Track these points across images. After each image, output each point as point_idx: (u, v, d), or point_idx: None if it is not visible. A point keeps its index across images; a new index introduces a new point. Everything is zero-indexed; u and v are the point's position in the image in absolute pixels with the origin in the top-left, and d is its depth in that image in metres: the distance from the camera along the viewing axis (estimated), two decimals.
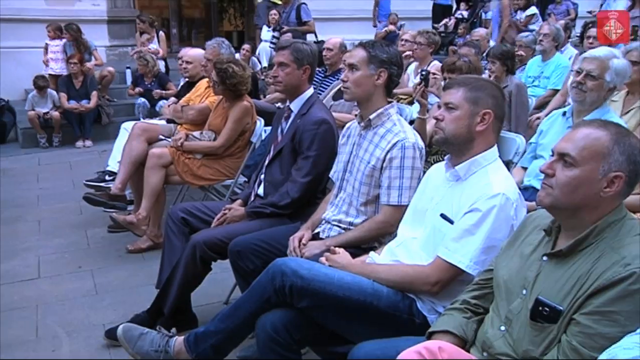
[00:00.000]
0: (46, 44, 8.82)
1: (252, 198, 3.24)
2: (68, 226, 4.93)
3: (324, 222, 2.80)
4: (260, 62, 8.91)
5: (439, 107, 2.28)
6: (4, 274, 4.04)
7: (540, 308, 1.64)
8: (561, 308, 1.60)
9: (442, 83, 3.74)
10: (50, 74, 8.69)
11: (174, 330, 2.56)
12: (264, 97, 6.24)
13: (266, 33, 9.33)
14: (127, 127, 5.00)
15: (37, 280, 3.95)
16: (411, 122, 3.48)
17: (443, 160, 2.33)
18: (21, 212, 5.33)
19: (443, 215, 2.17)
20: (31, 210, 5.36)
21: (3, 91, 8.79)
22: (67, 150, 7.98)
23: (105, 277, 3.96)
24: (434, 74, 4.13)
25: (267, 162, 3.24)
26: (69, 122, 8.21)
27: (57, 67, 8.76)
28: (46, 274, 4.04)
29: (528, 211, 2.10)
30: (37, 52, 8.90)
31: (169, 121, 4.91)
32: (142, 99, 8.00)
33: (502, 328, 1.74)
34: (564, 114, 3.32)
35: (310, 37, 8.78)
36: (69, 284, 3.88)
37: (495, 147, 2.22)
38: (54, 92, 8.30)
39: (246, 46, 8.83)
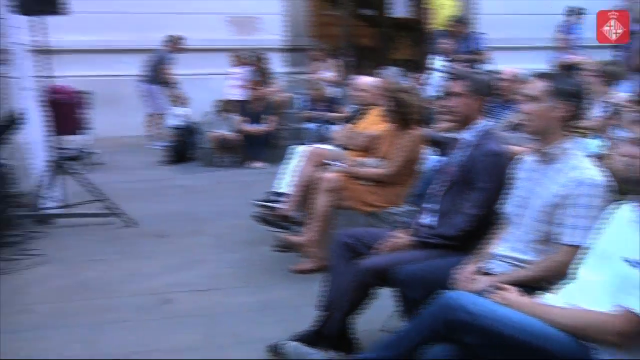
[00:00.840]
0: (230, 71, 9.49)
1: (419, 227, 3.21)
2: (241, 242, 5.21)
3: (493, 257, 2.69)
4: (430, 91, 8.87)
5: (630, 142, 2.11)
6: (183, 282, 4.35)
7: None
8: None
9: (633, 116, 3.46)
10: (231, 99, 9.33)
11: (336, 353, 2.59)
12: (434, 126, 6.19)
13: (438, 62, 9.27)
14: (297, 150, 5.21)
15: (210, 292, 4.20)
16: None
17: (629, 200, 2.15)
18: (201, 226, 5.72)
19: (628, 260, 2.00)
20: (210, 225, 5.74)
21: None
22: (243, 170, 8.48)
23: (270, 294, 4.12)
24: (623, 106, 3.85)
25: (437, 192, 3.20)
26: (246, 144, 8.75)
27: (238, 93, 9.38)
28: (219, 286, 4.28)
29: None
30: (218, 78, 9.62)
31: (339, 147, 5.03)
32: (312, 124, 8.32)
33: None
34: None
35: (484, 67, 8.58)
36: (238, 297, 4.09)
37: None
38: (233, 116, 8.89)
39: (417, 75, 8.84)
